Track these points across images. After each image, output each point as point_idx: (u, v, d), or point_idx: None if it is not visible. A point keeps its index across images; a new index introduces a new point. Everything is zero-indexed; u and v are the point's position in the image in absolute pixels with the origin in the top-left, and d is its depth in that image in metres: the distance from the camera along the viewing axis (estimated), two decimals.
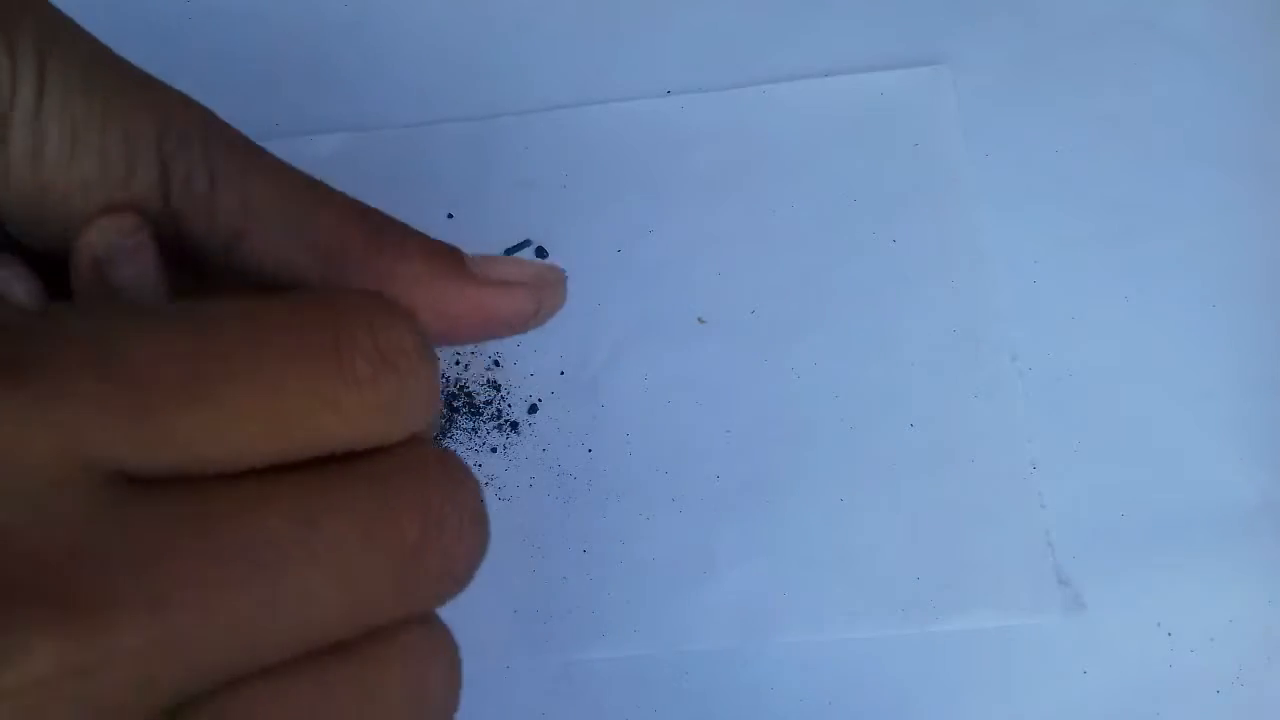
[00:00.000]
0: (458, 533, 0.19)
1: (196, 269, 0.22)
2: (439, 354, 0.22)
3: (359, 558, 0.17)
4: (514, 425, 0.38)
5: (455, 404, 0.38)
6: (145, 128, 0.21)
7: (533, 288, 0.24)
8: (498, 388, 0.39)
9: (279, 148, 0.47)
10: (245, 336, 0.17)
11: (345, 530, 0.17)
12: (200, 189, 0.22)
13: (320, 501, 0.17)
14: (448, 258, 0.23)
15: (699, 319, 0.40)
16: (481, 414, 0.38)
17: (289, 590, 0.16)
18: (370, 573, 0.17)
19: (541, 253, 0.41)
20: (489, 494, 0.38)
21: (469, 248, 0.42)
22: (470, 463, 0.38)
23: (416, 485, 0.18)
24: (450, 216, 0.41)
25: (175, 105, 0.22)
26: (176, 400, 0.15)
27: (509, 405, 0.39)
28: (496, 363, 0.39)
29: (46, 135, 0.20)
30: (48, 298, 0.21)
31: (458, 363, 0.39)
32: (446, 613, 0.34)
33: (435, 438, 0.38)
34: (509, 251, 0.26)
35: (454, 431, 0.38)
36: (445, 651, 0.20)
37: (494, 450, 0.38)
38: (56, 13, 0.22)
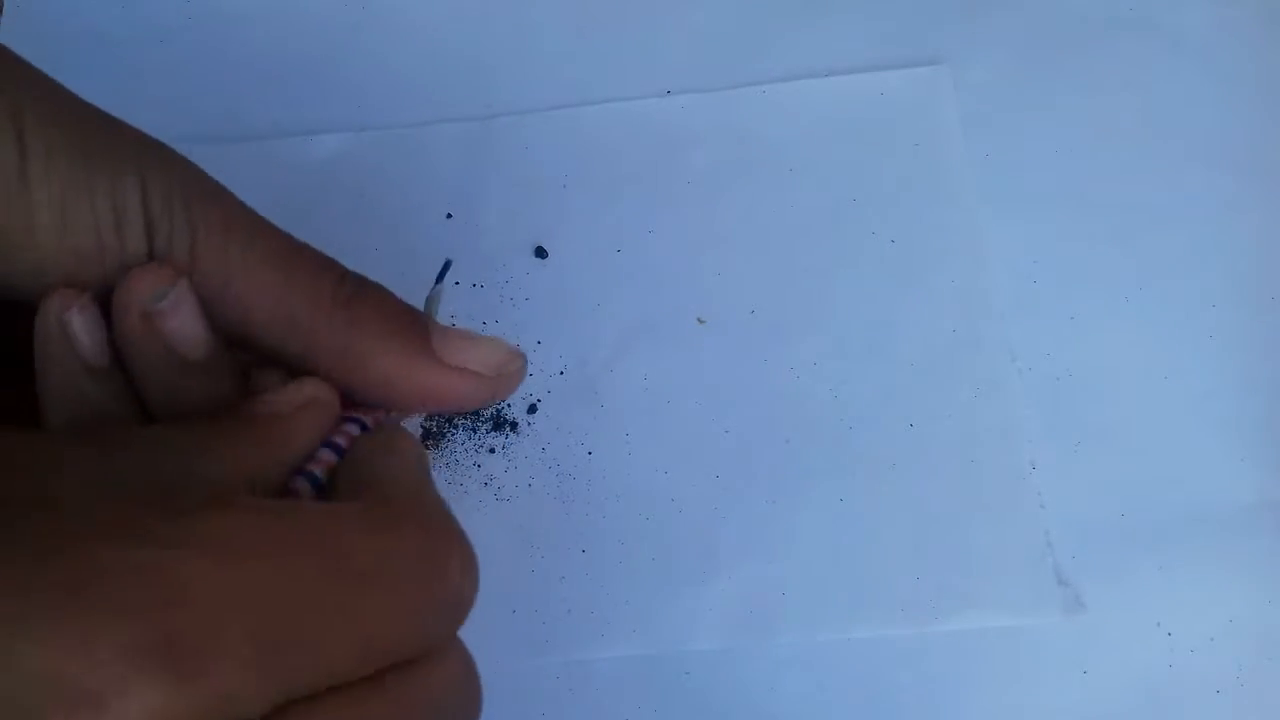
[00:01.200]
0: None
1: None
2: None
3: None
4: (514, 425, 0.38)
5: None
6: (131, 193, 0.21)
7: (492, 380, 0.25)
8: None
9: (279, 148, 0.47)
10: (349, 564, 0.18)
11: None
12: (181, 253, 0.22)
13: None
14: (415, 336, 0.24)
15: (699, 319, 0.40)
16: (481, 414, 0.38)
17: None
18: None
19: (541, 252, 0.41)
20: (488, 494, 0.38)
21: (469, 248, 0.42)
22: (470, 463, 0.38)
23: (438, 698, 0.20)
24: (450, 216, 0.41)
25: (156, 162, 0.22)
26: (297, 648, 0.17)
27: (509, 405, 0.39)
28: None
29: (35, 206, 0.20)
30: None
31: None
32: None
33: (435, 438, 0.38)
34: (439, 278, 0.26)
35: (454, 431, 0.38)
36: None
37: (493, 450, 0.38)
38: (30, 69, 0.22)
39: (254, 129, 0.43)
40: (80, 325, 0.21)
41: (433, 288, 0.25)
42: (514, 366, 0.25)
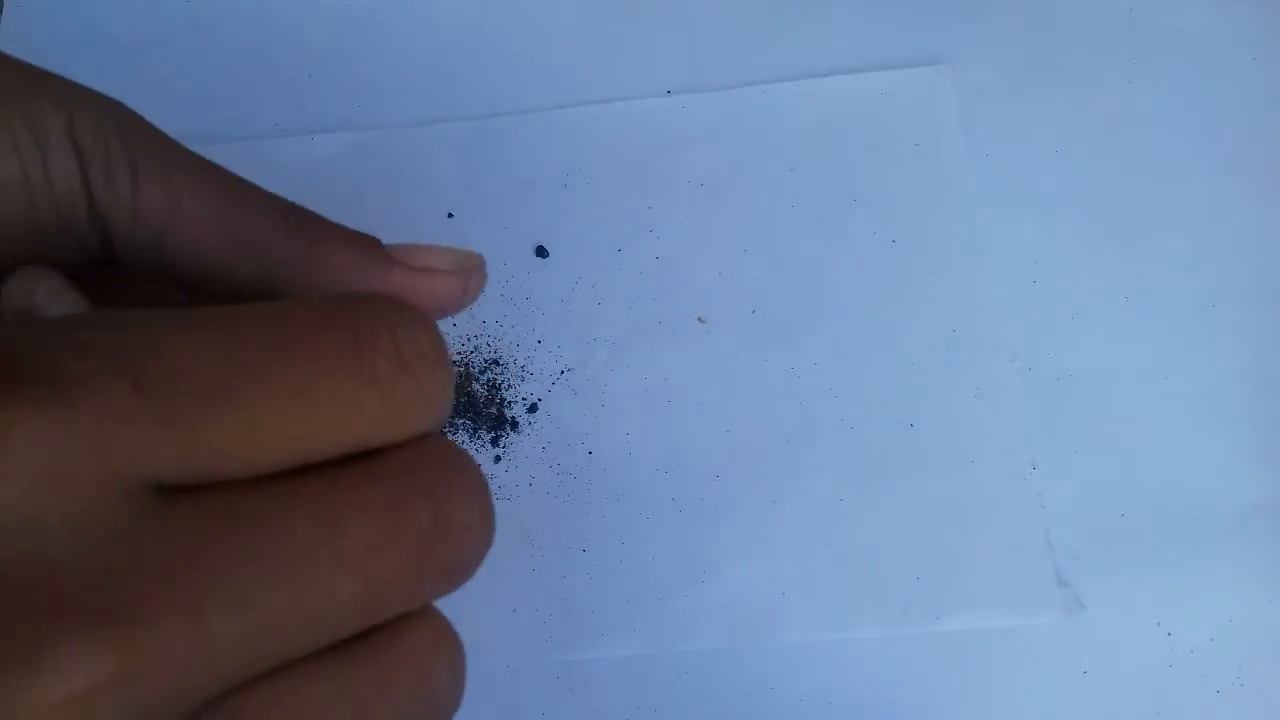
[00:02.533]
0: (466, 524, 0.19)
1: (127, 269, 0.23)
2: None
3: (377, 552, 0.17)
4: (514, 425, 0.38)
5: (455, 403, 0.38)
6: (53, 121, 0.21)
7: (457, 273, 0.24)
8: (498, 387, 0.39)
9: (279, 148, 0.47)
10: (272, 339, 0.17)
11: (364, 527, 0.17)
12: (123, 186, 0.22)
13: (341, 501, 0.17)
14: (370, 247, 0.24)
15: (699, 319, 0.40)
16: (481, 414, 0.38)
17: (314, 589, 0.16)
18: (386, 566, 0.17)
19: (542, 252, 0.41)
20: None
21: (469, 247, 0.42)
22: None
23: (427, 479, 0.18)
24: (450, 216, 0.41)
25: (82, 96, 0.22)
26: (209, 407, 0.16)
27: (509, 405, 0.39)
28: (496, 362, 0.39)
29: None
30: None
31: (458, 362, 0.39)
32: (447, 613, 0.34)
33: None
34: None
35: (454, 431, 0.38)
36: (449, 643, 0.20)
37: (494, 450, 0.38)
38: None
39: (254, 129, 0.43)
40: (49, 308, 0.20)
41: None
42: (473, 261, 0.25)
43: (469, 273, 0.24)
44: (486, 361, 0.39)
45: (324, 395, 0.17)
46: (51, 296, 0.20)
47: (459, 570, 0.19)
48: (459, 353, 0.39)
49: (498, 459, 0.38)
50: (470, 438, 0.38)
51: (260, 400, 0.16)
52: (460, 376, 0.39)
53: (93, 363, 0.15)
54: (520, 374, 0.39)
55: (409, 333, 0.18)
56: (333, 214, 0.44)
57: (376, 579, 0.17)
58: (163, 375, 0.16)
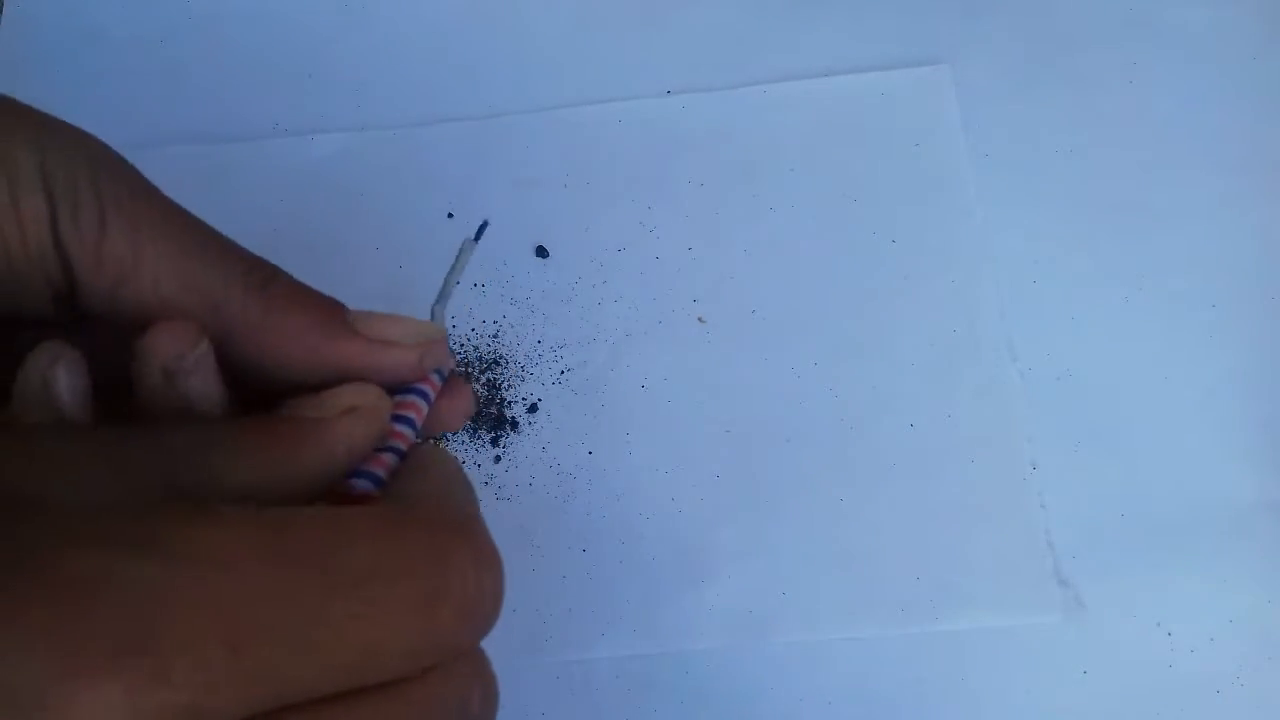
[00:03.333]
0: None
1: (80, 308, 0.22)
2: None
3: None
4: (514, 425, 0.38)
5: None
6: (25, 161, 0.21)
7: (413, 347, 0.24)
8: (498, 387, 0.39)
9: (279, 147, 0.47)
10: (360, 591, 0.17)
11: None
12: (89, 231, 0.22)
13: None
14: (329, 312, 0.24)
15: (699, 319, 0.40)
16: (482, 414, 0.38)
17: None
18: None
19: (542, 252, 0.41)
20: (489, 494, 0.38)
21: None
22: (470, 462, 0.38)
23: (457, 703, 0.20)
24: (450, 216, 0.41)
25: (57, 133, 0.22)
26: (293, 664, 0.17)
27: (509, 405, 0.39)
28: (496, 362, 0.39)
29: None
30: (92, 394, 0.22)
31: (458, 362, 0.39)
32: None
33: (435, 437, 0.38)
34: (477, 235, 0.27)
35: (454, 431, 0.38)
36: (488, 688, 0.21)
37: (494, 450, 0.38)
38: None
39: (254, 129, 0.43)
40: (65, 384, 0.20)
41: (465, 240, 0.26)
42: (434, 333, 0.24)
43: (427, 347, 0.24)
44: (486, 361, 0.39)
45: (388, 643, 0.18)
46: (70, 377, 0.21)
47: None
48: (459, 353, 0.39)
49: (498, 459, 0.38)
50: (470, 438, 0.38)
51: (337, 655, 0.17)
52: (460, 377, 0.39)
53: (196, 626, 0.16)
54: (520, 374, 0.39)
55: (481, 580, 0.19)
56: (333, 214, 0.44)
57: None
58: (256, 633, 0.16)
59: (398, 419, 0.23)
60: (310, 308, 0.23)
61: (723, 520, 0.37)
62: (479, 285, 0.40)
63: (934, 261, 0.40)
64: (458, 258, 0.26)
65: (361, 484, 0.22)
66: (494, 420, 0.38)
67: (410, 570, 0.18)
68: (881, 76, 0.42)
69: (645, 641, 0.36)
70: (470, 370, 0.39)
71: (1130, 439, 0.38)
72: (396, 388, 0.24)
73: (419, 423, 0.24)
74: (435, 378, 0.25)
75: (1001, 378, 0.38)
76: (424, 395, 0.24)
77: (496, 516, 0.37)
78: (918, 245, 0.40)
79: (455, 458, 0.25)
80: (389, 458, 0.22)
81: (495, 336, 0.39)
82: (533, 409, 0.39)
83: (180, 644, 0.15)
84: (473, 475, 0.38)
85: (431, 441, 0.25)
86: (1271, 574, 0.36)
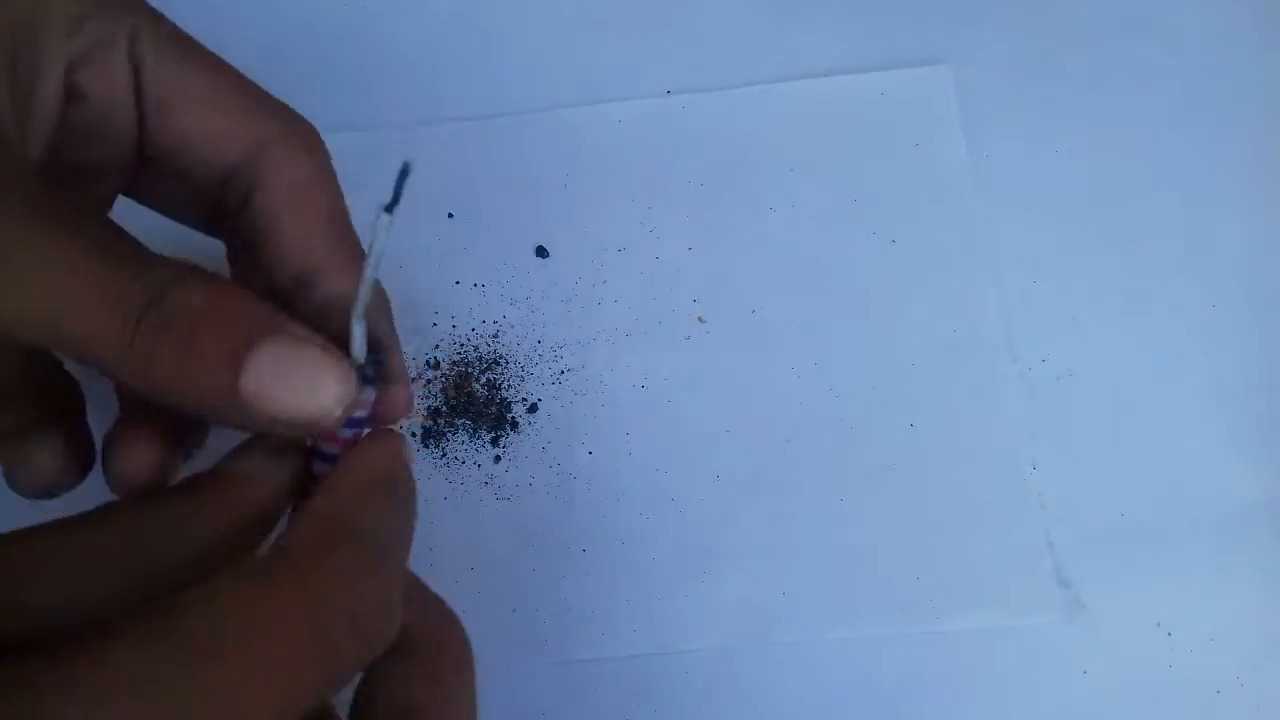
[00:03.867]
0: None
1: (148, 152, 0.26)
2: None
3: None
4: (514, 425, 0.38)
5: (455, 403, 0.38)
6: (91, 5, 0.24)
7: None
8: (498, 387, 0.39)
9: None
10: (230, 661, 0.18)
11: None
12: (160, 69, 0.25)
13: None
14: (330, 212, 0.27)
15: (699, 319, 0.40)
16: (481, 414, 0.38)
17: None
18: None
19: (542, 252, 0.41)
20: (489, 494, 0.38)
21: (469, 247, 0.42)
22: (470, 462, 0.38)
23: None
24: (450, 216, 0.41)
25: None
26: None
27: (509, 405, 0.39)
28: (496, 362, 0.39)
29: None
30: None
31: (458, 362, 0.39)
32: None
33: (435, 437, 0.38)
34: (395, 189, 0.26)
35: (454, 431, 0.38)
36: None
37: (494, 450, 0.38)
38: None
39: None
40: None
41: (379, 214, 0.24)
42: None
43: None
44: (486, 361, 0.39)
45: (294, 693, 0.19)
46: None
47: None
48: (459, 353, 0.39)
49: (498, 459, 0.38)
50: (470, 438, 0.38)
51: (244, 708, 0.18)
52: (460, 376, 0.39)
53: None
54: (520, 374, 0.39)
55: (363, 598, 0.20)
56: None
57: None
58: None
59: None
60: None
61: (723, 520, 0.37)
62: (479, 285, 0.40)
63: (934, 261, 0.40)
64: (373, 236, 0.24)
65: (321, 467, 0.24)
66: (494, 420, 0.38)
67: (287, 613, 0.19)
68: (881, 76, 0.42)
69: (645, 641, 0.36)
70: (470, 370, 0.39)
71: (1130, 439, 0.38)
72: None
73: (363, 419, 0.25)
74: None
75: (1001, 378, 0.39)
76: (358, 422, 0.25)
77: (497, 516, 0.37)
78: (918, 245, 0.40)
79: (390, 450, 0.24)
80: (348, 432, 0.24)
81: (495, 336, 0.39)
82: (533, 409, 0.39)
83: None
84: (472, 475, 0.38)
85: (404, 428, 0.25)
86: (1271, 574, 0.36)
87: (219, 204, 0.27)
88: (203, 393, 0.22)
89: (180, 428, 0.26)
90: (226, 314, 0.22)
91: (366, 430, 0.25)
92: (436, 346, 0.39)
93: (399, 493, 0.24)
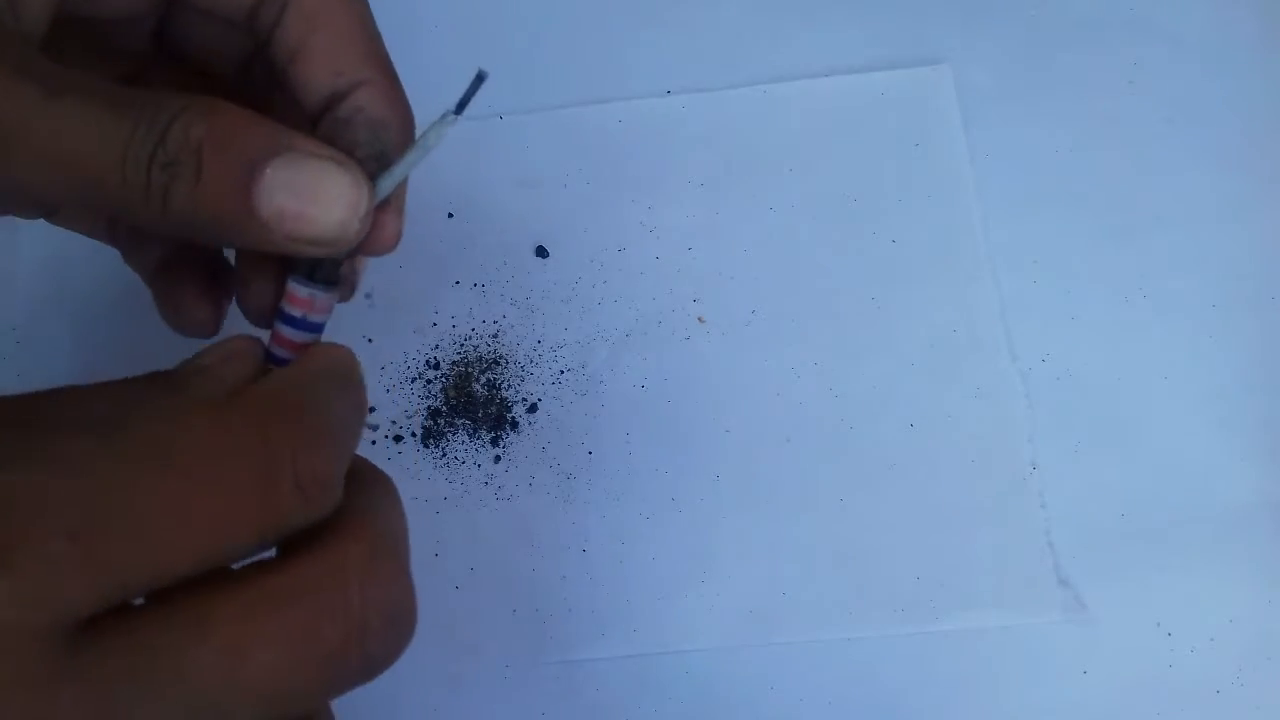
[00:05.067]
0: (378, 634, 0.20)
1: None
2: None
3: (282, 678, 0.19)
4: (514, 425, 0.38)
5: (455, 403, 0.38)
6: None
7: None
8: (498, 387, 0.39)
9: None
10: (175, 467, 0.19)
11: (270, 656, 0.19)
12: None
13: (249, 631, 0.19)
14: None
15: (699, 319, 0.40)
16: (481, 414, 0.38)
17: (213, 716, 0.18)
18: (290, 688, 0.19)
19: (542, 252, 0.41)
20: (489, 494, 0.38)
21: (469, 247, 0.42)
22: (470, 462, 0.38)
23: (339, 593, 0.20)
24: (450, 216, 0.41)
25: None
26: (126, 540, 0.18)
27: (509, 405, 0.39)
28: (496, 362, 0.39)
29: None
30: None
31: (458, 362, 0.39)
32: (447, 613, 0.35)
33: (435, 437, 0.38)
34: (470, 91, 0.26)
35: (454, 431, 0.38)
36: None
37: (494, 450, 0.38)
38: None
39: None
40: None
41: (446, 113, 0.25)
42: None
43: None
44: (487, 361, 0.39)
45: (226, 521, 0.19)
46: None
47: (372, 668, 0.20)
48: (459, 353, 0.39)
49: (498, 459, 0.38)
50: (470, 438, 0.38)
51: (167, 527, 0.18)
52: (460, 376, 0.39)
53: (37, 523, 0.17)
54: (520, 374, 0.39)
55: (312, 459, 0.20)
56: None
57: (280, 697, 0.19)
58: (95, 524, 0.17)
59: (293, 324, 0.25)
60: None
61: (723, 520, 0.37)
62: (479, 285, 0.40)
63: (934, 261, 0.40)
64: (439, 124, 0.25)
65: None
66: (494, 420, 0.38)
67: (236, 452, 0.19)
68: (881, 76, 0.42)
69: (645, 641, 0.36)
70: (470, 370, 0.39)
71: (1130, 439, 0.38)
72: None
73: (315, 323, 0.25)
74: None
75: (1001, 378, 0.39)
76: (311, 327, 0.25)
77: (497, 516, 0.37)
78: (918, 245, 0.40)
79: (344, 352, 0.24)
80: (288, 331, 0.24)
81: (495, 336, 0.39)
82: (533, 409, 0.39)
83: (21, 539, 0.17)
84: (472, 475, 0.38)
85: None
86: (1271, 574, 0.36)
87: (248, 40, 0.27)
88: (224, 222, 0.22)
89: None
90: (230, 140, 0.22)
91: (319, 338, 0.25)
92: (436, 346, 0.39)
93: (353, 387, 0.24)
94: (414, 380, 0.39)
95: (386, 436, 0.38)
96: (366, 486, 0.23)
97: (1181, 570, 0.36)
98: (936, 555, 0.36)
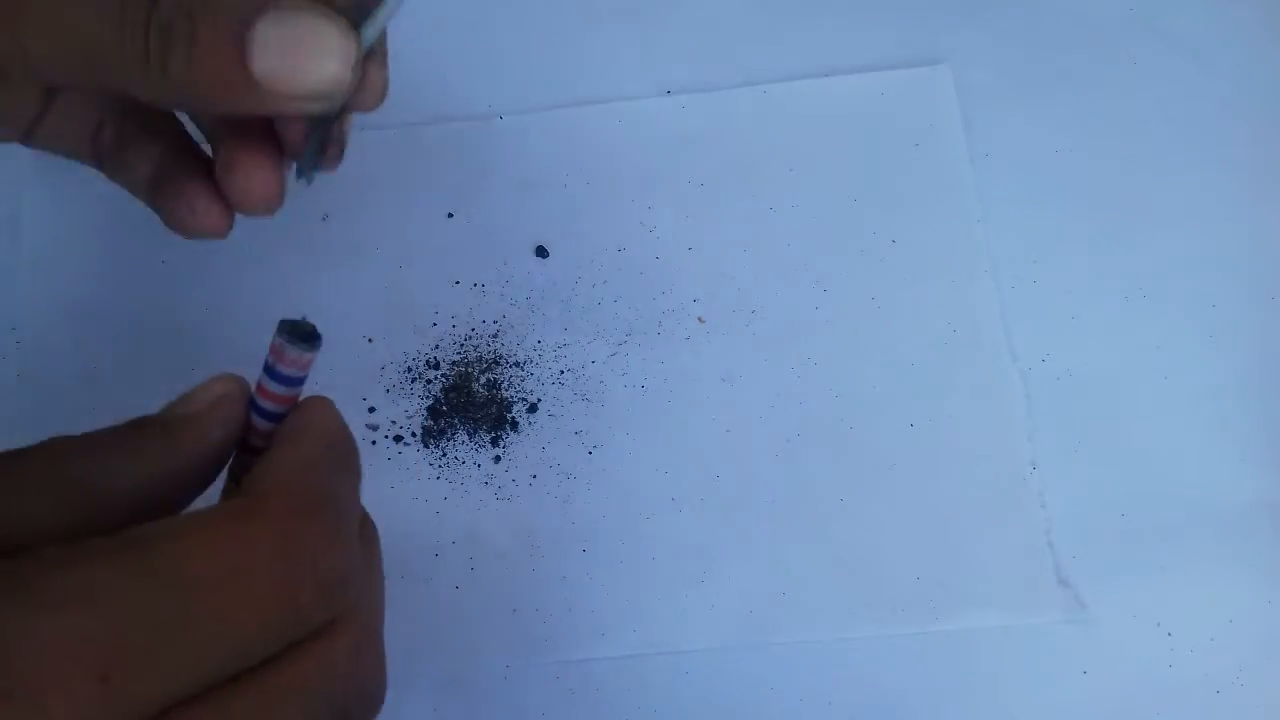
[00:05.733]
0: (358, 715, 0.22)
1: None
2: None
3: None
4: (514, 425, 0.38)
5: (455, 403, 0.38)
6: None
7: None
8: (498, 387, 0.39)
9: None
10: (201, 589, 0.19)
11: None
12: None
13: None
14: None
15: (699, 319, 0.40)
16: (481, 414, 0.38)
17: None
18: None
19: (542, 252, 0.41)
20: (489, 494, 0.38)
21: (469, 247, 0.42)
22: (470, 462, 0.38)
23: (330, 686, 0.21)
24: (450, 216, 0.41)
25: None
26: (152, 674, 0.18)
27: (509, 405, 0.39)
28: (496, 362, 0.39)
29: None
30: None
31: (458, 362, 0.39)
32: (447, 613, 0.35)
33: (435, 437, 0.38)
34: None
35: (454, 431, 0.38)
36: None
37: (494, 450, 0.38)
38: None
39: None
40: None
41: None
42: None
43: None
44: (486, 361, 0.39)
45: (247, 633, 0.19)
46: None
47: None
48: (459, 353, 0.39)
49: (498, 459, 0.38)
50: (470, 438, 0.38)
51: (206, 655, 0.19)
52: (460, 376, 0.39)
53: (64, 663, 0.17)
54: (520, 374, 0.39)
55: (330, 563, 0.21)
56: (333, 214, 0.44)
57: None
58: (124, 657, 0.17)
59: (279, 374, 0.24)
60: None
61: (723, 520, 0.37)
62: (478, 285, 0.40)
63: (934, 261, 0.40)
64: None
65: (263, 424, 0.24)
66: (494, 420, 0.38)
67: (260, 566, 0.20)
68: (881, 76, 0.42)
69: (645, 641, 0.36)
70: (470, 370, 0.39)
71: (1130, 439, 0.38)
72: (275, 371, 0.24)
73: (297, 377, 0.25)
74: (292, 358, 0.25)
75: (1001, 378, 0.39)
76: (290, 380, 0.25)
77: (497, 516, 0.37)
78: (918, 245, 0.40)
79: (335, 414, 0.25)
80: (275, 387, 0.24)
81: (495, 336, 0.39)
82: (533, 409, 0.39)
83: (51, 682, 0.17)
84: (472, 475, 0.38)
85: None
86: (1271, 574, 0.36)
87: None
88: (222, 85, 0.23)
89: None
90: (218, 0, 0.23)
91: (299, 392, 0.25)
92: (436, 346, 0.39)
93: (352, 461, 0.24)
94: (414, 380, 0.39)
95: (386, 436, 0.38)
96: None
97: (1181, 570, 0.36)
98: (936, 555, 0.36)
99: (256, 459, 0.24)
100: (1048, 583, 0.36)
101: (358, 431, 0.38)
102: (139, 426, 0.23)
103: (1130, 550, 0.36)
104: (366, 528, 0.25)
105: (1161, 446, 0.38)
